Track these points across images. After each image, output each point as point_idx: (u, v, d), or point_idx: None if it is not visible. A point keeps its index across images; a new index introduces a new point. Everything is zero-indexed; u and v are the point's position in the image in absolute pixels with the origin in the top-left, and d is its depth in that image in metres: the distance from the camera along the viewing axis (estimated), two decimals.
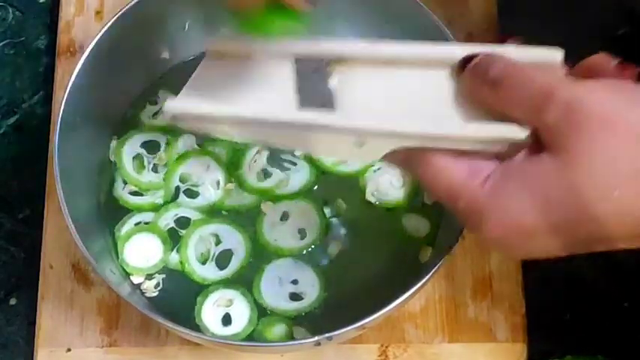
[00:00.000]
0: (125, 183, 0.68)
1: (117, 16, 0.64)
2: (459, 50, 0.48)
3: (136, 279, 0.65)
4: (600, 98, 0.42)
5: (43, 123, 0.76)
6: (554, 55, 0.47)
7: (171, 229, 0.67)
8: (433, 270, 0.57)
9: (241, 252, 0.66)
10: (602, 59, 0.46)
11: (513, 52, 0.47)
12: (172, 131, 0.69)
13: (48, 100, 0.77)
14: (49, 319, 0.69)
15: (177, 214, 0.67)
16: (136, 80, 0.70)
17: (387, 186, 0.68)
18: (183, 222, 0.67)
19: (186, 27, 0.70)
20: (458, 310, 0.69)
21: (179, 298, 0.65)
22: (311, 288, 0.65)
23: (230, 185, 0.68)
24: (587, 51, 0.47)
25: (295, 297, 0.65)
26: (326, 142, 0.50)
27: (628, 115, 0.42)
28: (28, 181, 0.75)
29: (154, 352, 0.68)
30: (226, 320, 0.65)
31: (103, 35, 0.64)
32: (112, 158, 0.69)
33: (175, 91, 0.71)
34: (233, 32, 0.53)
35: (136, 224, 0.67)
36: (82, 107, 0.64)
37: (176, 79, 0.71)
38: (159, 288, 0.66)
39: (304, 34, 0.48)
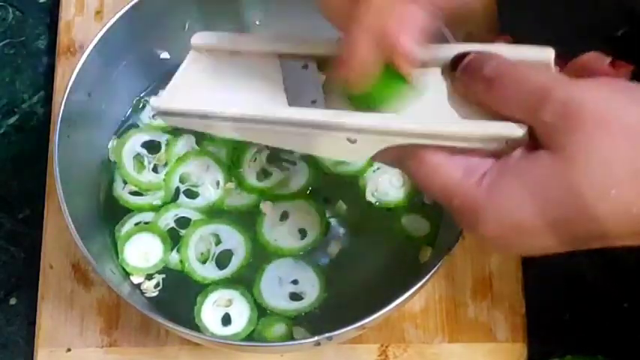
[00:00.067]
0: (125, 183, 0.68)
1: (117, 16, 0.64)
2: (450, 49, 0.48)
3: (136, 279, 0.65)
4: (596, 97, 0.42)
5: (43, 123, 0.76)
6: (546, 53, 0.47)
7: (172, 229, 0.67)
8: (433, 270, 0.57)
9: (241, 252, 0.66)
10: (594, 58, 0.46)
11: (505, 50, 0.47)
12: (172, 131, 0.69)
13: (48, 100, 0.77)
14: (49, 319, 0.69)
15: (177, 214, 0.67)
16: (136, 80, 0.70)
17: (387, 186, 0.68)
18: (183, 222, 0.67)
19: (186, 27, 0.70)
20: (458, 310, 0.69)
21: (179, 298, 0.65)
22: (311, 288, 0.65)
23: (230, 184, 0.68)
24: (586, 51, 0.48)
25: (295, 297, 0.65)
26: (318, 140, 0.49)
27: (624, 114, 0.42)
28: (28, 181, 0.75)
29: (154, 352, 0.68)
30: (226, 320, 0.65)
31: (103, 35, 0.64)
32: (112, 158, 0.69)
33: None
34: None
35: (136, 224, 0.67)
36: (82, 107, 0.64)
37: None
38: (159, 288, 0.66)
39: (415, 100, 0.47)
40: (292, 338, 0.64)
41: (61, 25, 0.78)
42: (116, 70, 0.67)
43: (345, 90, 0.48)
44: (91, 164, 0.68)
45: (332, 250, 0.66)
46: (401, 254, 0.66)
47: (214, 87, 0.52)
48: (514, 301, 0.69)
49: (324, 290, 0.65)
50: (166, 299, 0.65)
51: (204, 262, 0.66)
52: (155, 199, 0.68)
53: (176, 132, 0.69)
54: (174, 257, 0.66)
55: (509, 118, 0.44)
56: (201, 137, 0.69)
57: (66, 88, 0.62)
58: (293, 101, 0.50)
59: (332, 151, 0.50)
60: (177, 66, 0.71)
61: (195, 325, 0.64)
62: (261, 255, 0.66)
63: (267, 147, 0.68)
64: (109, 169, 0.69)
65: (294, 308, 0.65)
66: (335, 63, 0.46)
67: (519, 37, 0.49)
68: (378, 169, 0.68)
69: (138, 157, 0.69)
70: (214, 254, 0.66)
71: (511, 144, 0.44)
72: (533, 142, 0.44)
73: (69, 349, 0.68)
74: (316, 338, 0.57)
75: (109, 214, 0.68)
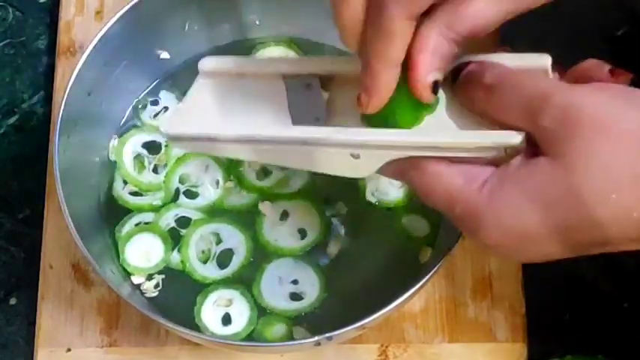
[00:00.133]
0: (125, 183, 0.68)
1: (117, 16, 0.64)
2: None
3: (137, 279, 0.65)
4: (595, 102, 0.42)
5: (43, 123, 0.76)
6: (543, 60, 0.47)
7: (172, 228, 0.67)
8: (433, 270, 0.57)
9: (242, 251, 0.66)
10: (594, 65, 0.46)
11: (503, 59, 0.47)
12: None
13: (48, 100, 0.77)
14: (49, 319, 0.69)
15: (177, 214, 0.67)
16: (136, 80, 0.70)
17: (387, 186, 0.68)
18: (183, 222, 0.67)
19: (186, 27, 0.70)
20: (458, 310, 0.69)
21: (179, 299, 0.65)
22: (311, 288, 0.65)
23: (230, 183, 0.68)
24: (587, 51, 0.48)
25: (295, 297, 0.65)
26: (323, 158, 0.50)
27: (623, 119, 0.42)
28: (28, 181, 0.75)
29: (154, 352, 0.68)
30: (226, 320, 0.65)
31: (103, 35, 0.64)
32: (113, 158, 0.69)
33: (175, 91, 0.72)
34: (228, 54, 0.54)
35: (137, 224, 0.67)
36: (82, 107, 0.64)
37: (176, 79, 0.71)
38: (158, 288, 0.66)
39: (430, 121, 0.48)
40: (292, 338, 0.64)
41: (61, 25, 0.78)
42: (116, 70, 0.67)
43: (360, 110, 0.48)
44: (91, 164, 0.68)
45: (332, 250, 0.66)
46: (401, 254, 0.66)
47: (221, 110, 0.53)
48: (514, 301, 0.69)
49: (324, 290, 0.65)
50: (166, 299, 0.65)
51: (205, 261, 0.66)
52: (155, 199, 0.68)
53: None
54: (175, 257, 0.66)
55: (509, 126, 0.45)
56: None
57: (66, 88, 0.62)
58: (297, 120, 0.51)
59: (336, 167, 0.51)
60: (178, 66, 0.72)
61: (195, 325, 0.64)
62: (261, 254, 0.66)
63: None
64: (109, 169, 0.69)
65: (294, 308, 0.65)
66: (359, 89, 0.47)
67: (520, 38, 0.49)
68: None
69: (138, 158, 0.69)
70: (215, 254, 0.66)
71: (510, 152, 0.45)
72: (534, 149, 0.44)
73: (69, 349, 0.68)
74: (316, 338, 0.57)
75: (109, 215, 0.68)
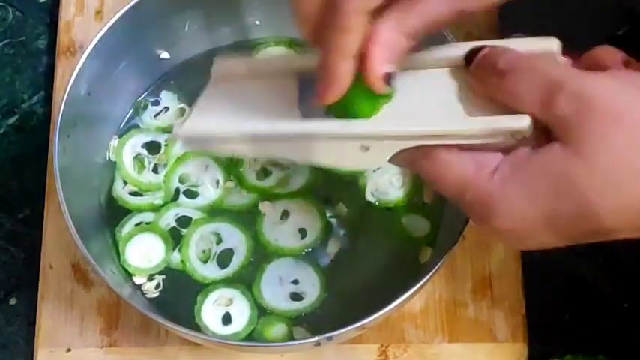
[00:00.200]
0: (125, 183, 0.68)
1: (117, 16, 0.64)
2: (458, 49, 0.49)
3: (139, 279, 0.65)
4: (608, 90, 0.43)
5: (43, 123, 0.76)
6: (550, 44, 0.47)
7: (173, 228, 0.67)
8: (433, 270, 0.57)
9: (242, 250, 0.66)
10: (606, 52, 0.46)
11: (513, 44, 0.47)
12: (172, 132, 0.69)
13: (48, 100, 0.77)
14: (49, 319, 0.69)
15: (178, 214, 0.67)
16: (137, 80, 0.70)
17: (387, 186, 0.68)
18: (184, 221, 0.67)
19: (186, 27, 0.70)
20: (458, 310, 0.69)
21: (179, 298, 0.65)
22: (311, 288, 0.65)
23: (230, 183, 0.68)
24: (584, 51, 0.48)
25: (296, 297, 0.65)
26: (333, 152, 0.51)
27: (636, 108, 0.42)
28: (28, 181, 0.75)
29: (154, 352, 0.68)
30: (226, 319, 0.65)
31: (103, 35, 0.64)
32: (113, 158, 0.69)
33: (176, 91, 0.71)
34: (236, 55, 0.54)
35: (137, 225, 0.67)
36: (82, 107, 0.64)
37: (176, 79, 0.71)
38: (159, 289, 0.66)
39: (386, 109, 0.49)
40: (292, 338, 0.64)
41: (61, 25, 0.78)
42: (116, 70, 0.67)
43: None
44: (91, 164, 0.68)
45: (332, 250, 0.66)
46: (401, 254, 0.66)
47: (232, 109, 0.54)
48: (514, 301, 0.69)
49: (324, 290, 0.65)
50: (167, 299, 0.65)
51: (205, 261, 0.66)
52: (155, 199, 0.68)
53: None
54: (175, 257, 0.66)
55: (521, 112, 0.45)
56: None
57: (66, 88, 0.62)
58: (307, 115, 0.52)
59: (347, 160, 0.51)
60: (178, 66, 0.72)
61: (195, 325, 0.64)
62: (261, 254, 0.66)
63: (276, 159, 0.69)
64: (109, 169, 0.69)
65: (295, 308, 0.65)
66: (316, 82, 0.48)
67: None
68: (378, 169, 0.68)
69: (138, 158, 0.69)
70: (215, 253, 0.66)
71: (518, 137, 0.45)
72: (546, 136, 0.44)
73: (69, 349, 0.68)
74: (316, 338, 0.57)
75: (109, 215, 0.68)
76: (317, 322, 0.64)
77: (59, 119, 0.62)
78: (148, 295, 0.65)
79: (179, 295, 0.65)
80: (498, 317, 0.69)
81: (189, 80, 0.70)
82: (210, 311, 0.65)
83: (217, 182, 0.68)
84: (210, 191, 0.68)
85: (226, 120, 0.53)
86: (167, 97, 0.71)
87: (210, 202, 0.68)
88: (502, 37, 0.50)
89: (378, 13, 0.46)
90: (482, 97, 0.47)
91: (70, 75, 0.63)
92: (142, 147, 0.69)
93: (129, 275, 0.65)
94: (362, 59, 0.46)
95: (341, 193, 0.68)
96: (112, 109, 0.69)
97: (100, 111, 0.68)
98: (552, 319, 0.70)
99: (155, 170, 0.69)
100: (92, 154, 0.68)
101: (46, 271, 0.70)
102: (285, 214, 0.67)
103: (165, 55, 0.71)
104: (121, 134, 0.69)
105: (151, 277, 0.66)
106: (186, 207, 0.68)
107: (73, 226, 0.59)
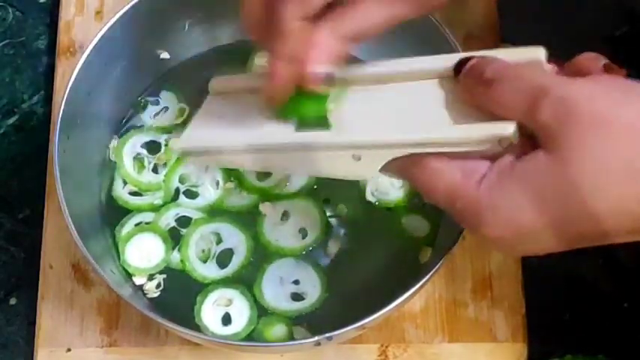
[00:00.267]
0: (125, 183, 0.68)
1: (117, 16, 0.64)
2: (446, 61, 0.49)
3: (139, 280, 0.65)
4: (593, 96, 0.42)
5: (43, 123, 0.76)
6: (537, 53, 0.47)
7: (173, 228, 0.67)
8: (433, 270, 0.57)
9: (242, 251, 0.66)
10: (590, 59, 0.46)
11: (501, 54, 0.48)
12: (172, 132, 0.69)
13: (48, 100, 0.77)
14: (49, 319, 0.69)
15: (178, 213, 0.67)
16: (136, 80, 0.70)
17: (387, 186, 0.68)
18: (184, 221, 0.67)
19: (186, 27, 0.70)
20: (458, 310, 0.69)
21: (179, 298, 0.65)
22: (312, 288, 0.65)
23: (230, 184, 0.68)
24: (586, 51, 0.48)
25: (297, 297, 0.65)
26: (326, 162, 0.52)
27: (621, 112, 0.42)
28: (28, 181, 0.75)
29: (154, 352, 0.68)
30: (226, 320, 0.65)
31: (103, 35, 0.64)
32: (112, 158, 0.69)
33: (176, 91, 0.72)
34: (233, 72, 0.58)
35: (137, 224, 0.67)
36: (82, 107, 0.64)
37: (176, 79, 0.71)
38: (160, 288, 0.66)
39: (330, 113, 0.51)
40: (292, 338, 0.64)
41: (61, 25, 0.78)
42: (116, 70, 0.67)
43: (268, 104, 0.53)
44: (91, 164, 0.68)
45: (332, 250, 0.66)
46: (401, 254, 0.66)
47: (229, 124, 0.55)
48: (514, 301, 0.69)
49: (325, 290, 0.65)
50: (167, 299, 0.65)
51: (205, 261, 0.66)
52: (155, 199, 0.68)
53: (176, 132, 0.69)
54: (175, 257, 0.66)
55: (508, 120, 0.45)
56: None
57: (66, 88, 0.62)
58: (300, 127, 0.53)
59: (340, 170, 0.52)
60: (177, 66, 0.72)
61: (195, 325, 0.64)
62: (262, 254, 0.66)
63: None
64: (109, 169, 0.69)
65: (296, 309, 0.65)
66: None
67: (520, 38, 0.49)
68: None
69: (138, 158, 0.69)
70: (215, 253, 0.66)
71: (504, 144, 0.45)
72: (532, 143, 0.44)
73: (69, 349, 0.68)
74: (316, 338, 0.57)
75: (109, 215, 0.68)
76: (317, 322, 0.64)
77: (59, 119, 0.62)
78: (148, 295, 0.65)
79: (179, 295, 0.65)
80: (498, 317, 0.69)
81: (189, 80, 0.70)
82: (210, 312, 0.64)
83: (217, 183, 0.68)
84: (210, 192, 0.68)
85: (221, 133, 0.55)
86: (167, 97, 0.71)
87: (210, 203, 0.68)
88: (501, 38, 0.51)
89: (318, 17, 0.49)
90: (470, 107, 0.47)
91: (70, 75, 0.63)
92: (142, 147, 0.69)
93: (129, 275, 0.65)
94: (301, 62, 0.48)
95: (341, 193, 0.68)
96: (112, 108, 0.69)
97: (100, 111, 0.68)
98: (552, 319, 0.70)
99: (155, 170, 0.69)
100: (92, 154, 0.68)
101: (46, 271, 0.70)
102: (285, 215, 0.67)
103: (165, 55, 0.71)
104: (121, 134, 0.70)
105: (151, 277, 0.66)
106: (186, 207, 0.68)
107: (73, 226, 0.59)
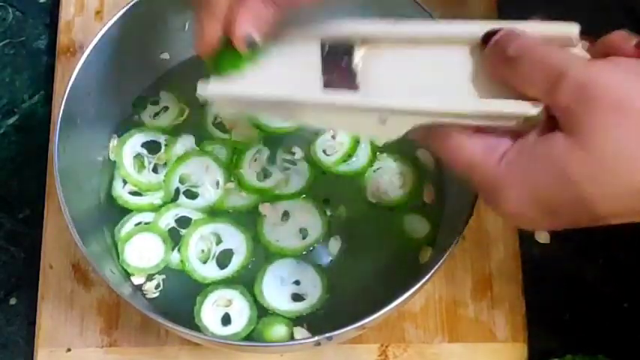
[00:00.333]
0: (125, 183, 0.68)
1: (117, 16, 0.64)
2: (479, 27, 0.49)
3: (137, 280, 0.65)
4: (613, 79, 0.43)
5: (43, 123, 0.76)
6: (570, 28, 0.47)
7: (172, 228, 0.67)
8: (433, 270, 0.57)
9: (242, 251, 0.66)
10: (620, 38, 0.46)
11: (533, 27, 0.48)
12: (172, 131, 0.69)
13: (48, 100, 0.77)
14: (49, 319, 0.69)
15: (178, 214, 0.67)
16: (136, 80, 0.70)
17: (388, 186, 0.68)
18: (184, 221, 0.67)
19: (186, 27, 0.70)
20: (458, 310, 0.69)
21: (179, 299, 0.65)
22: (313, 289, 0.65)
23: (230, 184, 0.68)
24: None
25: (297, 297, 0.65)
26: (350, 120, 0.52)
27: (637, 96, 0.42)
28: (28, 181, 0.75)
29: (154, 352, 0.68)
30: (226, 320, 0.64)
31: (103, 35, 0.64)
32: (112, 158, 0.69)
33: (175, 90, 0.72)
34: None
35: (137, 224, 0.67)
36: (82, 107, 0.64)
37: (176, 79, 0.71)
38: (159, 289, 0.66)
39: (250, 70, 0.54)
40: (292, 338, 0.64)
41: (61, 25, 0.78)
42: (116, 70, 0.67)
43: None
44: (91, 164, 0.68)
45: (332, 250, 0.66)
46: (401, 254, 0.66)
47: (257, 73, 0.55)
48: (514, 301, 0.69)
49: (326, 291, 0.65)
50: (167, 299, 0.65)
51: (204, 261, 0.66)
52: (155, 199, 0.68)
53: (175, 132, 0.69)
54: (175, 257, 0.66)
55: (530, 98, 0.45)
56: (200, 137, 0.69)
57: (66, 88, 0.62)
58: (328, 85, 0.52)
59: (363, 129, 0.54)
60: (178, 66, 0.71)
61: (195, 325, 0.64)
62: (262, 255, 0.66)
63: (266, 147, 0.69)
64: (109, 169, 0.69)
65: (296, 309, 0.65)
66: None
67: None
68: (378, 169, 0.68)
69: (138, 157, 0.69)
70: (215, 254, 0.66)
71: (528, 122, 0.45)
72: (552, 123, 0.44)
73: (69, 349, 0.68)
74: (316, 338, 0.57)
75: (109, 214, 0.68)
76: (317, 322, 0.64)
77: (59, 119, 0.62)
78: (147, 296, 0.65)
79: (179, 296, 0.65)
80: (498, 317, 0.69)
81: (189, 80, 0.69)
82: (209, 312, 0.64)
83: (217, 183, 0.68)
84: (211, 192, 0.68)
85: (248, 82, 0.55)
86: (167, 97, 0.71)
87: (210, 203, 0.68)
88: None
89: None
90: (497, 80, 0.47)
91: (70, 75, 0.63)
92: (142, 146, 0.69)
93: (128, 275, 0.65)
94: (229, 23, 0.53)
95: (341, 193, 0.68)
96: (112, 108, 0.69)
97: (100, 111, 0.68)
98: (552, 319, 0.70)
99: (155, 170, 0.69)
100: (92, 154, 0.68)
101: (46, 271, 0.70)
102: (285, 215, 0.67)
103: (165, 55, 0.71)
104: (121, 134, 0.69)
105: (150, 277, 0.66)
106: (186, 207, 0.68)
107: (73, 226, 0.58)
